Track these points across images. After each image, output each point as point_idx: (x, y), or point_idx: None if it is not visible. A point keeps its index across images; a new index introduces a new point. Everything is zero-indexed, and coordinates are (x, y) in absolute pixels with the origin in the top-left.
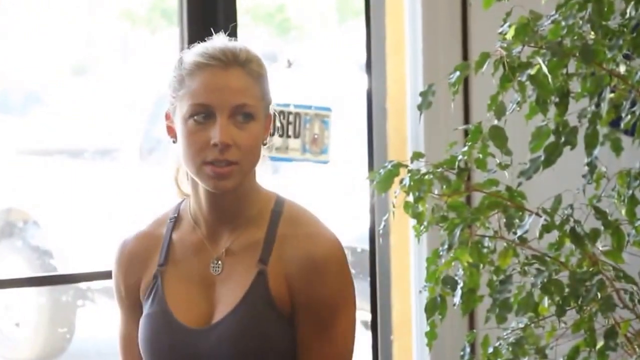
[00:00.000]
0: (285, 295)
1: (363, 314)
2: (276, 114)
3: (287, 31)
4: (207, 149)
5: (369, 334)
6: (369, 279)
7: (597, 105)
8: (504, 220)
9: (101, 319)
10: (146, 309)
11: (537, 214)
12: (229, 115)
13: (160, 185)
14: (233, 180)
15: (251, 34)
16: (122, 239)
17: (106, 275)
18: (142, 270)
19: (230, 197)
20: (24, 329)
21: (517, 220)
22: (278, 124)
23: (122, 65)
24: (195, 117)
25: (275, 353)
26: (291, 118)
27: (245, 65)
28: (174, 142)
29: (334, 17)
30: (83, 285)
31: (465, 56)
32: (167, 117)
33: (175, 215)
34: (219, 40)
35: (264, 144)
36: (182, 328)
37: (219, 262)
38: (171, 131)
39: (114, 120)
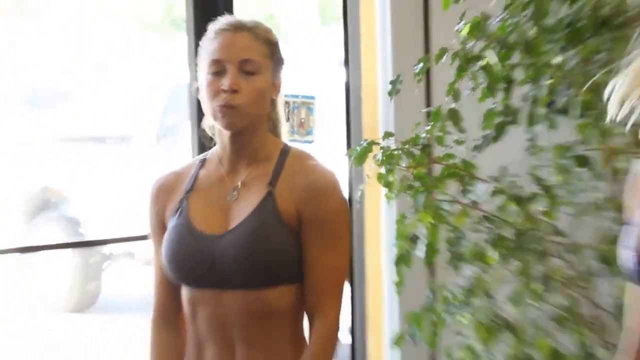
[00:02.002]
0: (292, 213)
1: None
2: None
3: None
4: (219, 95)
5: (349, 287)
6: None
7: (537, 89)
8: (460, 187)
9: (123, 277)
10: (172, 223)
11: (487, 181)
12: (237, 68)
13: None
14: (239, 120)
15: None
16: (157, 176)
17: (126, 240)
18: (169, 198)
19: (246, 138)
20: (61, 286)
21: (470, 187)
22: None
23: (139, 65)
24: (212, 72)
25: (279, 257)
26: (284, 107)
27: (251, 30)
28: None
29: (318, 22)
30: (107, 249)
31: (427, 50)
32: (197, 78)
33: (204, 158)
34: (236, 16)
35: (273, 99)
36: (201, 234)
37: (235, 192)
38: (198, 89)
39: (132, 112)
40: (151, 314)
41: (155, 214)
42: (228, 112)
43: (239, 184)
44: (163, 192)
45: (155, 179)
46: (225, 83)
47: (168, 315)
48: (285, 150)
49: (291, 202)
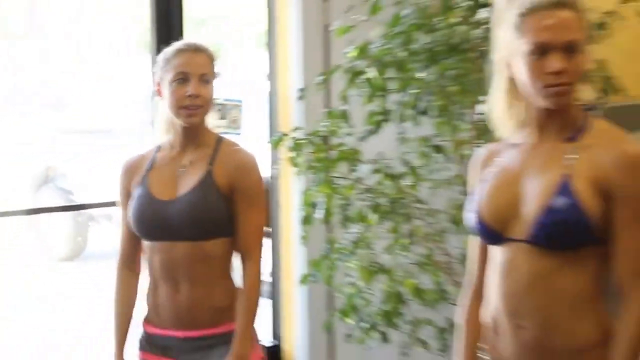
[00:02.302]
0: (226, 185)
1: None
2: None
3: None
4: (184, 99)
5: (269, 240)
6: (269, 206)
7: (406, 96)
8: (349, 167)
9: (103, 234)
10: (136, 193)
11: (369, 163)
12: (198, 79)
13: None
14: (198, 118)
15: None
16: (125, 158)
17: (106, 205)
18: (134, 174)
19: (194, 130)
20: (56, 238)
21: (356, 167)
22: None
23: (122, 74)
24: (178, 81)
25: (215, 217)
26: (220, 107)
27: (206, 52)
28: (160, 99)
29: (252, 46)
30: (91, 212)
31: (327, 67)
32: (157, 84)
33: (160, 145)
34: (191, 40)
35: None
36: (158, 200)
37: (184, 169)
38: (159, 92)
39: (115, 111)
40: (117, 261)
41: (124, 186)
42: (192, 112)
43: (187, 163)
44: (130, 170)
45: (124, 161)
46: (190, 90)
47: (130, 262)
48: (220, 139)
49: (225, 177)
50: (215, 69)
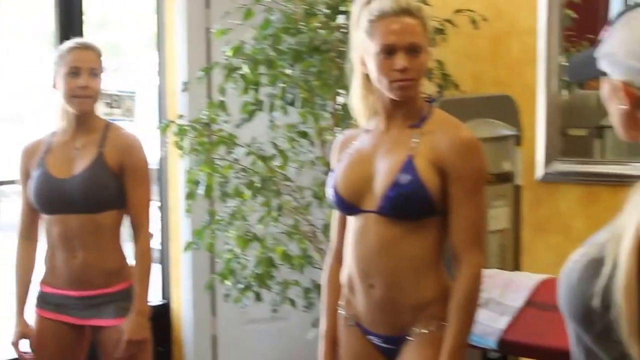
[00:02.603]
0: (115, 165)
1: (156, 202)
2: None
3: (116, 55)
4: (75, 90)
5: (158, 212)
6: (158, 183)
7: (275, 89)
8: (227, 150)
9: (13, 208)
10: (35, 173)
11: (244, 146)
12: (88, 72)
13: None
14: (88, 106)
15: None
16: (25, 143)
17: (16, 182)
18: (33, 156)
19: (85, 116)
20: None
21: (233, 150)
22: (110, 100)
23: (33, 68)
24: (71, 74)
25: (106, 193)
26: (116, 98)
27: (94, 49)
28: (56, 90)
29: (145, 46)
30: (3, 188)
31: (208, 63)
32: (53, 78)
33: (55, 131)
34: (81, 39)
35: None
36: (54, 179)
37: (77, 150)
38: (55, 85)
39: (25, 100)
40: (18, 232)
41: (24, 167)
42: (83, 101)
43: (80, 145)
44: (29, 153)
45: (23, 146)
46: (81, 82)
47: (29, 232)
48: (108, 124)
49: (114, 158)
50: (103, 64)
